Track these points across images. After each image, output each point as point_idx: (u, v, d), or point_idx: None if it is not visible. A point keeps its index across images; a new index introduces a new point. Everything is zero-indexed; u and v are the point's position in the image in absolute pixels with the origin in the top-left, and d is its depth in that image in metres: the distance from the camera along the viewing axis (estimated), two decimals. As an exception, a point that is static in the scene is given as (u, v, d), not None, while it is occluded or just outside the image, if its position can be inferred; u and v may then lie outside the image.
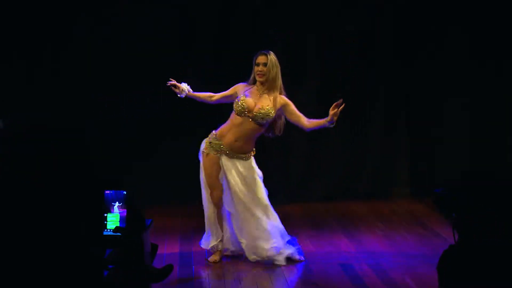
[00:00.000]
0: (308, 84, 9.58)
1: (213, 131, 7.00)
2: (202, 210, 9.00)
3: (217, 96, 7.04)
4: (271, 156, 9.27)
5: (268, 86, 6.87)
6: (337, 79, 9.57)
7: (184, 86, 7.05)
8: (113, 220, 5.20)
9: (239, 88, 6.97)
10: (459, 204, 3.90)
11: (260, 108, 6.80)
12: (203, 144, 7.02)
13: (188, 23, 9.43)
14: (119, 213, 5.19)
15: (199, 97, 7.09)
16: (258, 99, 6.85)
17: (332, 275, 6.51)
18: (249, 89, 6.91)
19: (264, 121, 6.83)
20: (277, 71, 6.85)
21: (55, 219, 3.85)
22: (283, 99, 6.88)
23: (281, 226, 6.99)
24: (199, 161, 7.11)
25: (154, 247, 5.82)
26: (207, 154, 6.97)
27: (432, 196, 4.25)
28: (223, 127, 6.96)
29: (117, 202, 5.19)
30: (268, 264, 6.80)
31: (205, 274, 6.64)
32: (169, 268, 5.69)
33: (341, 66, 9.55)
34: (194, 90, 9.19)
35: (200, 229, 8.14)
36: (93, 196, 4.19)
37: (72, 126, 4.03)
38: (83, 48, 9.21)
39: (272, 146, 8.98)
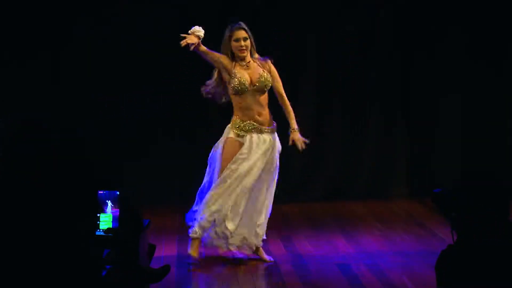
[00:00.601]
0: (308, 84, 9.59)
1: (233, 118, 6.86)
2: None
3: (204, 49, 6.75)
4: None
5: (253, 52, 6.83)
6: (337, 79, 9.57)
7: (197, 32, 6.69)
8: (105, 220, 5.20)
9: (227, 61, 6.78)
10: (458, 204, 3.90)
11: (259, 77, 6.74)
12: (229, 131, 6.86)
13: (188, 23, 9.42)
14: (112, 213, 5.20)
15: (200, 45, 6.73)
16: (249, 71, 6.77)
17: (329, 275, 6.52)
18: (234, 64, 6.79)
19: (267, 88, 6.77)
20: (252, 38, 6.80)
21: (54, 218, 3.86)
22: (269, 63, 6.83)
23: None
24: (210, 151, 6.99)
25: (152, 248, 5.83)
26: (231, 140, 6.82)
27: (431, 196, 4.26)
28: (239, 114, 6.81)
29: (110, 202, 5.19)
30: (266, 264, 6.80)
31: (203, 275, 6.64)
32: (166, 269, 5.70)
33: (341, 66, 9.55)
34: (193, 89, 9.23)
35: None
36: (91, 196, 4.21)
37: (71, 126, 4.03)
38: (83, 48, 9.22)
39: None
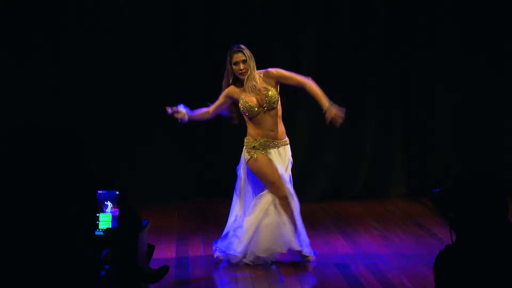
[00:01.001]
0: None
1: (245, 138, 6.88)
2: (201, 209, 9.06)
3: (212, 108, 6.87)
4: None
5: (251, 75, 6.73)
6: (335, 79, 9.55)
7: (183, 110, 6.83)
8: (105, 220, 5.20)
9: (231, 91, 6.81)
10: (457, 204, 3.89)
11: (264, 97, 6.71)
12: (245, 154, 6.84)
13: (183, 20, 9.44)
14: (111, 212, 5.20)
15: (198, 117, 6.89)
16: (255, 91, 6.73)
17: (328, 275, 6.52)
18: (240, 89, 6.77)
19: (276, 104, 6.75)
20: (253, 58, 6.72)
21: (53, 219, 3.86)
22: (271, 72, 6.75)
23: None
24: (236, 174, 6.98)
25: (151, 248, 5.84)
26: (256, 158, 6.79)
27: (430, 196, 4.26)
28: (250, 131, 6.84)
29: (109, 202, 5.19)
30: (264, 265, 6.80)
31: (202, 275, 6.64)
32: (165, 269, 5.71)
33: (339, 66, 9.54)
34: (192, 89, 9.23)
35: (197, 228, 8.16)
36: (90, 196, 4.21)
37: (71, 126, 4.04)
38: (82, 48, 9.20)
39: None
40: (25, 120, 4.03)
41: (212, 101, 7.22)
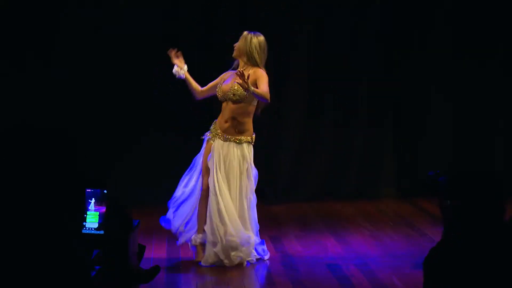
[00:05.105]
0: (297, 84, 9.58)
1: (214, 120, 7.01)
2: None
3: (205, 87, 7.00)
4: (258, 156, 9.24)
5: (248, 63, 6.80)
6: (327, 79, 9.56)
7: (184, 65, 7.00)
8: (92, 220, 5.18)
9: (225, 76, 6.95)
10: (454, 188, 3.84)
11: (231, 86, 6.77)
12: (207, 132, 6.99)
13: (178, 15, 9.43)
14: (97, 210, 5.16)
15: (191, 83, 7.02)
16: (234, 79, 6.78)
17: (319, 275, 6.52)
18: (233, 73, 6.87)
19: (237, 98, 6.76)
20: (250, 46, 6.77)
21: (43, 218, 3.84)
22: (257, 73, 6.75)
23: (251, 224, 6.86)
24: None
25: (142, 248, 5.83)
26: (208, 140, 6.93)
27: (426, 179, 4.22)
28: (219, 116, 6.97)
29: (93, 199, 5.16)
30: (255, 264, 6.79)
31: (192, 276, 6.64)
32: (156, 269, 5.70)
33: (331, 66, 9.53)
34: (185, 90, 9.19)
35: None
36: (79, 195, 4.20)
37: (62, 126, 4.03)
38: (74, 46, 9.17)
39: (258, 146, 8.96)
40: (16, 121, 4.01)
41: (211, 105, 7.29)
